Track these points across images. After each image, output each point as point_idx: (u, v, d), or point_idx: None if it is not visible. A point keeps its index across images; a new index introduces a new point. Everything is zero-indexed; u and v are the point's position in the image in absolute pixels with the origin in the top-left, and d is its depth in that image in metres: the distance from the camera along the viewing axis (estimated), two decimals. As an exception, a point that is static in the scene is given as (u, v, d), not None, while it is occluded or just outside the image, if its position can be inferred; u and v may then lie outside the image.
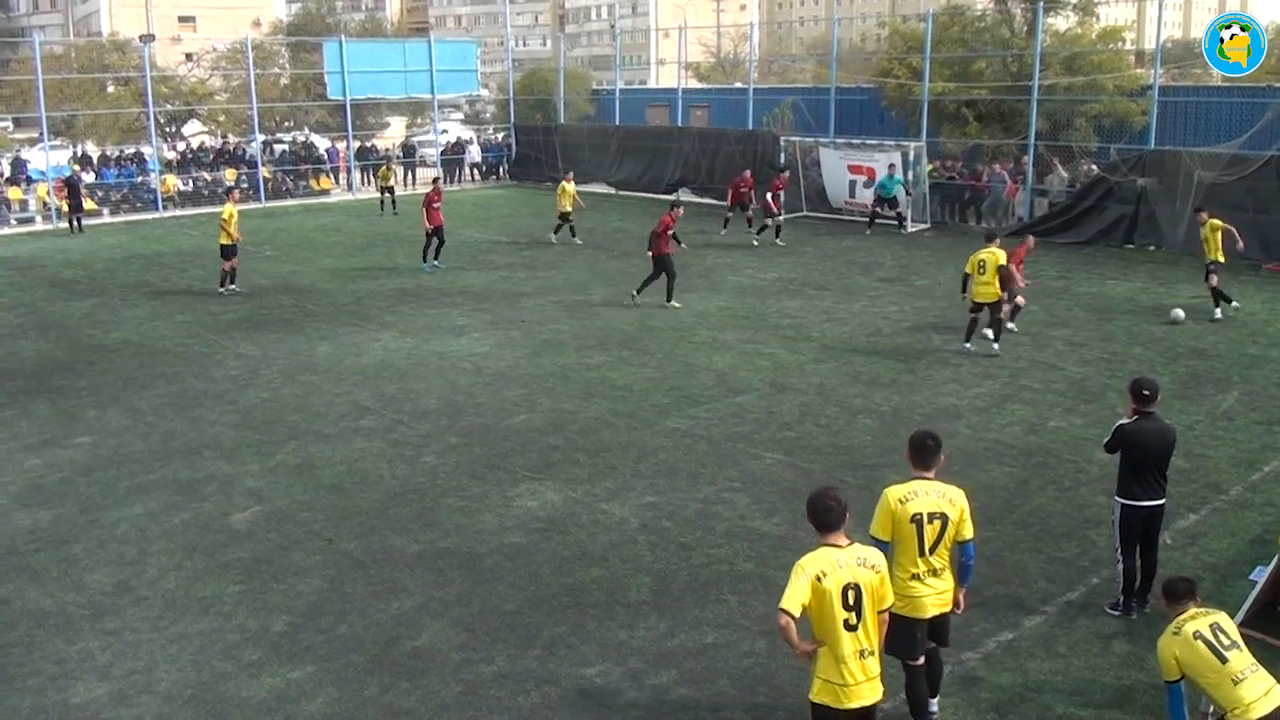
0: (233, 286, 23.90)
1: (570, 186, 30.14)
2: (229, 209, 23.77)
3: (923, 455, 7.58)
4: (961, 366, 17.19)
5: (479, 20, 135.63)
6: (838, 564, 6.44)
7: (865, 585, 6.46)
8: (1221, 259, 20.59)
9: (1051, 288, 23.07)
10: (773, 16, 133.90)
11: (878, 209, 31.07)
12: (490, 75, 58.54)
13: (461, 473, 13.04)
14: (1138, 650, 8.88)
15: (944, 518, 7.42)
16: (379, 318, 21.16)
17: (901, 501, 7.42)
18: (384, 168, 39.08)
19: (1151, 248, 27.46)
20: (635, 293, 22.01)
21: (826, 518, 6.54)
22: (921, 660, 7.69)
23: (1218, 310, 20.37)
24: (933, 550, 7.45)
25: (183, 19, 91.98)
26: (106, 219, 37.38)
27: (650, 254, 21.89)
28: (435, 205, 26.37)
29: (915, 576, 7.47)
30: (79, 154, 43.15)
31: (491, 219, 35.80)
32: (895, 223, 31.11)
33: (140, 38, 43.64)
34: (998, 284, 17.56)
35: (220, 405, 15.84)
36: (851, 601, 6.42)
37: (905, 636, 7.54)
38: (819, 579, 6.38)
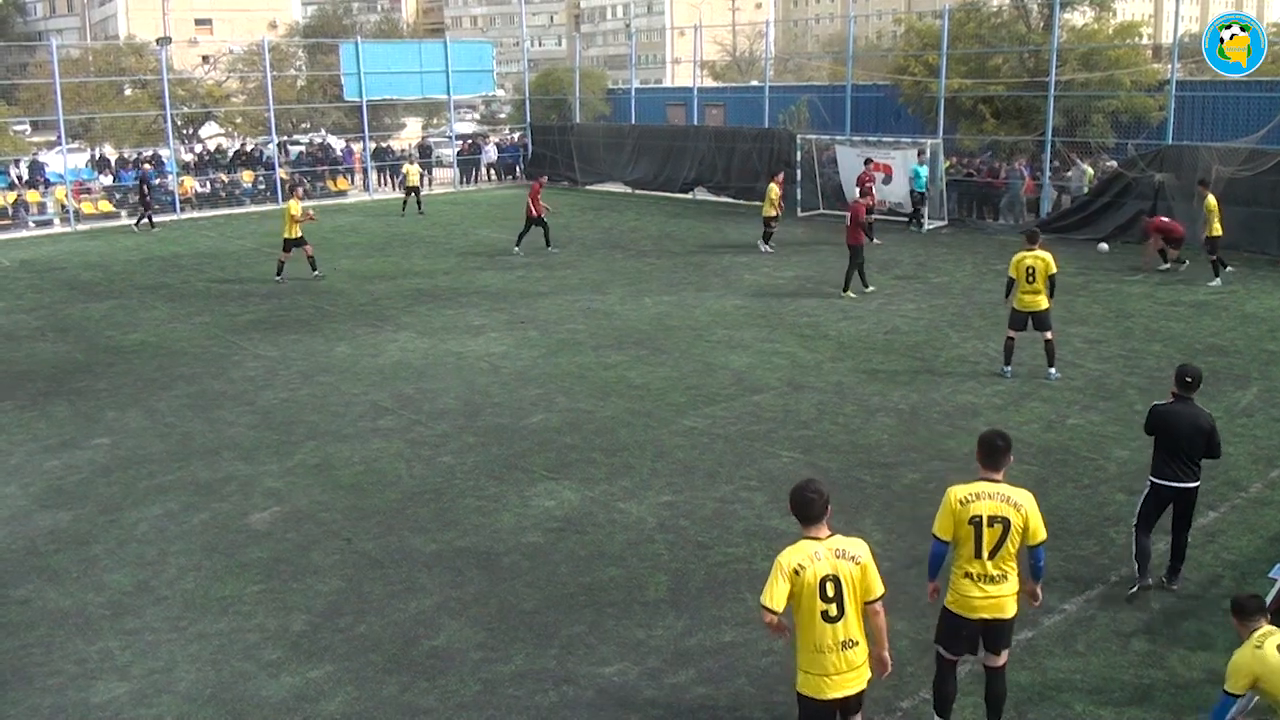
0: (317, 272, 25.49)
1: (776, 191, 28.16)
2: (294, 204, 25.13)
3: (991, 455, 7.40)
4: (979, 365, 17.14)
5: (494, 20, 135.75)
6: (815, 556, 6.48)
7: (845, 576, 6.48)
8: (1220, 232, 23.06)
9: (1069, 284, 22.95)
10: (788, 14, 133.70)
11: (917, 206, 31.13)
12: (506, 75, 58.58)
13: (479, 472, 13.06)
14: (1157, 648, 8.85)
15: (1005, 522, 7.23)
16: (396, 318, 21.20)
17: (963, 502, 7.28)
18: (413, 168, 39.02)
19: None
20: (845, 289, 22.42)
21: (808, 510, 6.59)
22: (956, 659, 7.60)
23: (1218, 279, 22.78)
24: (992, 555, 7.27)
25: (199, 21, 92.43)
26: (124, 221, 37.49)
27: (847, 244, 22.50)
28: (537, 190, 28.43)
29: (968, 575, 7.35)
30: (97, 156, 43.37)
31: (508, 219, 35.74)
32: (905, 220, 31.14)
33: (157, 41, 43.85)
34: (1048, 293, 15.96)
35: (239, 406, 15.90)
36: (830, 593, 6.46)
37: (948, 630, 7.55)
38: (796, 572, 6.44)
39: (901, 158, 31.78)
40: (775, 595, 6.41)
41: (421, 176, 39.11)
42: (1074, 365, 16.98)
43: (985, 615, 7.38)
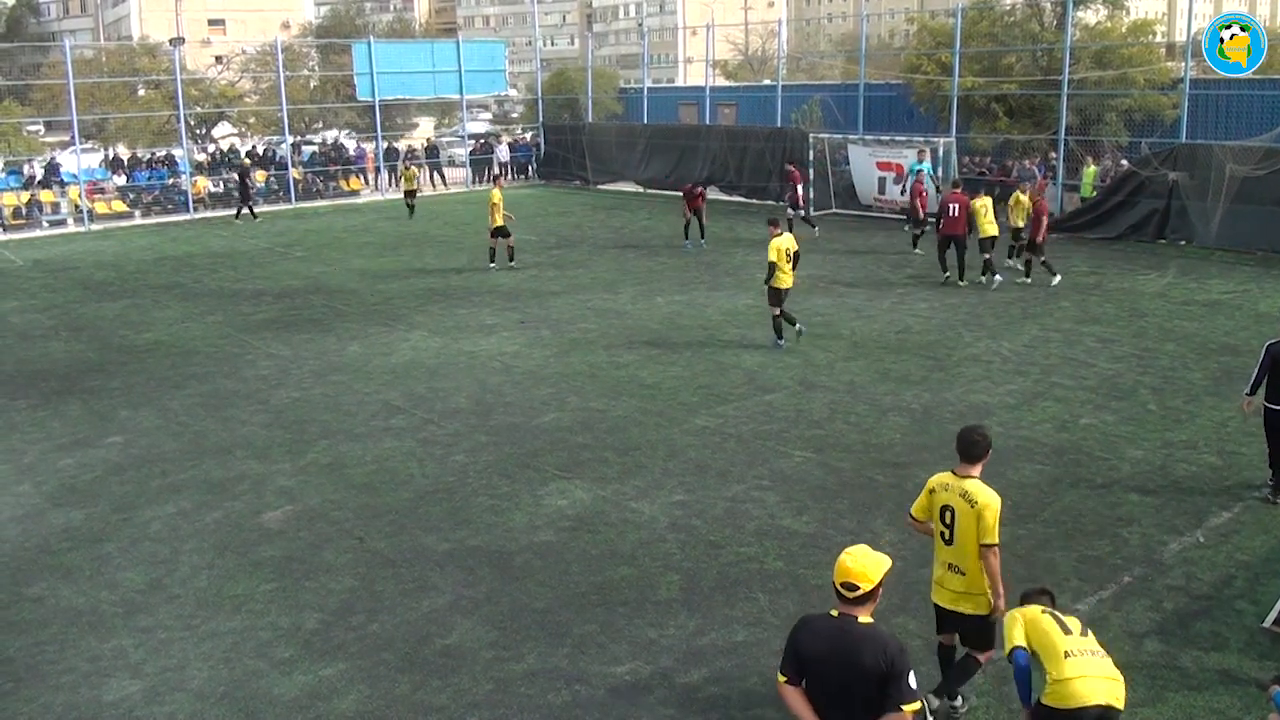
0: (511, 264, 26.14)
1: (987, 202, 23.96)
2: (495, 192, 26.08)
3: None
4: (992, 364, 17.10)
5: (507, 20, 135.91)
6: (945, 486, 7.58)
7: (960, 513, 7.45)
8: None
9: (1083, 284, 22.92)
10: (801, 13, 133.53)
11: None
12: (518, 75, 58.65)
13: (491, 471, 13.07)
14: (1170, 649, 8.82)
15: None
16: (408, 317, 21.23)
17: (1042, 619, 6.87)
18: (408, 170, 38.50)
19: (1183, 242, 27.24)
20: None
21: (970, 450, 7.55)
22: None
23: (998, 277, 23.11)
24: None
25: (212, 22, 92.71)
26: (138, 220, 37.66)
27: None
28: (698, 192, 29.09)
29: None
30: (111, 156, 43.48)
31: (520, 218, 35.70)
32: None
33: (170, 41, 43.93)
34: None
35: (251, 405, 15.93)
36: (946, 520, 7.53)
37: None
38: (931, 492, 7.66)
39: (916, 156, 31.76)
40: (917, 504, 7.81)
41: (417, 180, 38.66)
42: (1087, 365, 16.94)
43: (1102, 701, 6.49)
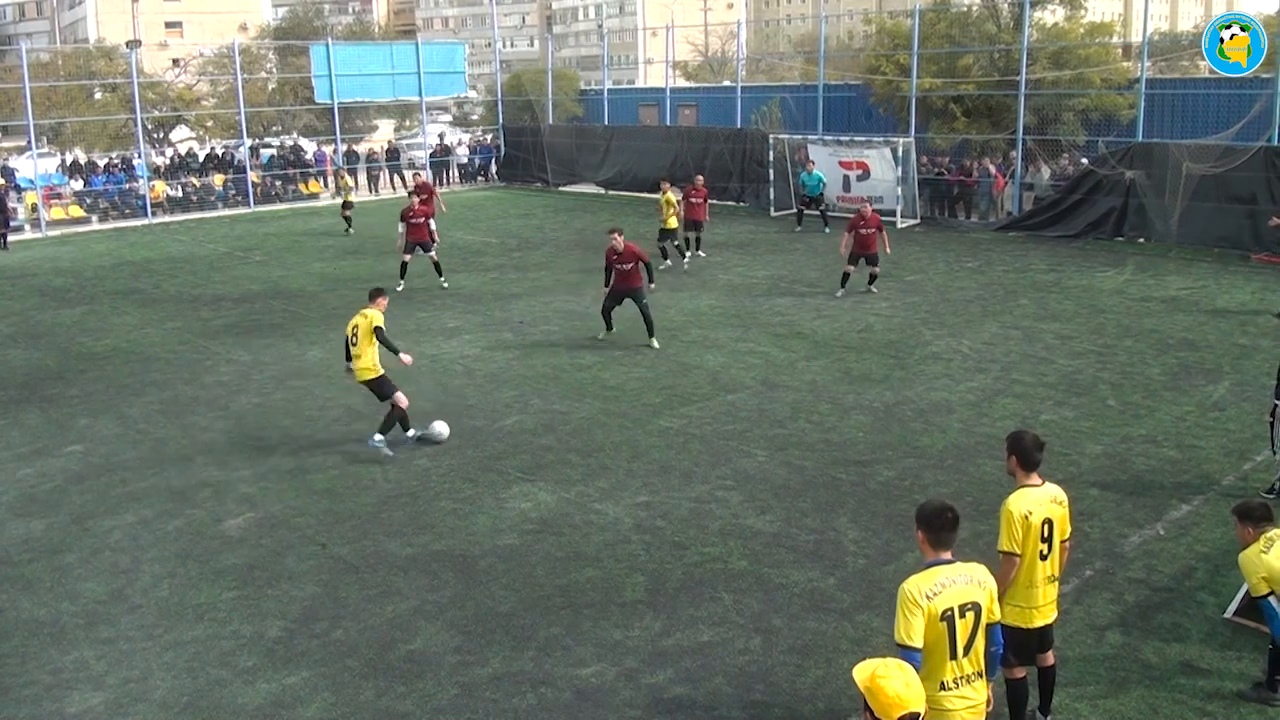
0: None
1: None
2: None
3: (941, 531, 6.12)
4: (953, 362, 17.21)
5: (466, 22, 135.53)
6: (1039, 503, 7.17)
7: (1056, 520, 7.24)
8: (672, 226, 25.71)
9: (1041, 281, 23.12)
10: (760, 15, 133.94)
11: (803, 207, 31.94)
12: (478, 77, 58.50)
13: (454, 475, 13.03)
14: (1132, 641, 8.91)
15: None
16: (370, 321, 21.07)
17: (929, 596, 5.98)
18: (344, 179, 36.01)
19: (1141, 240, 27.54)
20: None
21: (1035, 456, 7.22)
22: None
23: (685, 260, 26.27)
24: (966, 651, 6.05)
25: (169, 24, 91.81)
26: (95, 226, 37.29)
27: None
28: (694, 200, 27.17)
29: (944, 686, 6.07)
30: (68, 161, 43.03)
31: (481, 220, 35.78)
32: (820, 218, 31.43)
33: (127, 44, 43.54)
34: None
35: (212, 411, 15.81)
36: (1046, 534, 7.18)
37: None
38: (1027, 517, 7.09)
39: (877, 155, 31.98)
40: (1015, 540, 7.09)
41: (350, 190, 35.55)
42: (1046, 361, 17.08)
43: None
